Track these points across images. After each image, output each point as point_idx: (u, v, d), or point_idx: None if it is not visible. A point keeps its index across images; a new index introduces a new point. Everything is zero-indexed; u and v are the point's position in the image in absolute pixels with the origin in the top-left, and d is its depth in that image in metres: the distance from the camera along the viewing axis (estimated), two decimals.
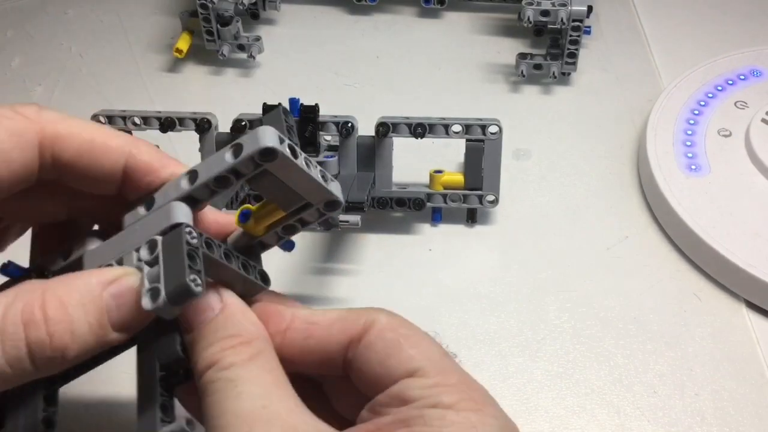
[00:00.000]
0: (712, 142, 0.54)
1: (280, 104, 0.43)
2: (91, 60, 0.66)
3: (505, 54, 0.65)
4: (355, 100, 0.62)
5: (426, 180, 0.52)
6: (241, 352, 0.26)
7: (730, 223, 0.50)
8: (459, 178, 0.51)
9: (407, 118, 0.50)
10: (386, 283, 0.50)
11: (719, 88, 0.58)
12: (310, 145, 0.50)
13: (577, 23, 0.58)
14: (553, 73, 0.62)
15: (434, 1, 0.69)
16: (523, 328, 0.47)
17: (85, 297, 0.26)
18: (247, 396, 0.25)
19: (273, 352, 0.28)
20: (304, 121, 0.50)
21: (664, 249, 0.51)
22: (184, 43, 0.63)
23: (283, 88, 0.63)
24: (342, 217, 0.46)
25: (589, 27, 0.63)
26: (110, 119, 0.51)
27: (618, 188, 0.55)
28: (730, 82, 0.58)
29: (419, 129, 0.49)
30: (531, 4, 0.58)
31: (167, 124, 0.50)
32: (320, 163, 0.50)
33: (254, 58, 0.64)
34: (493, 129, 0.49)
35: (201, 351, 0.27)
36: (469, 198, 0.51)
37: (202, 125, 0.50)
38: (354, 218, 0.46)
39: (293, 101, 0.50)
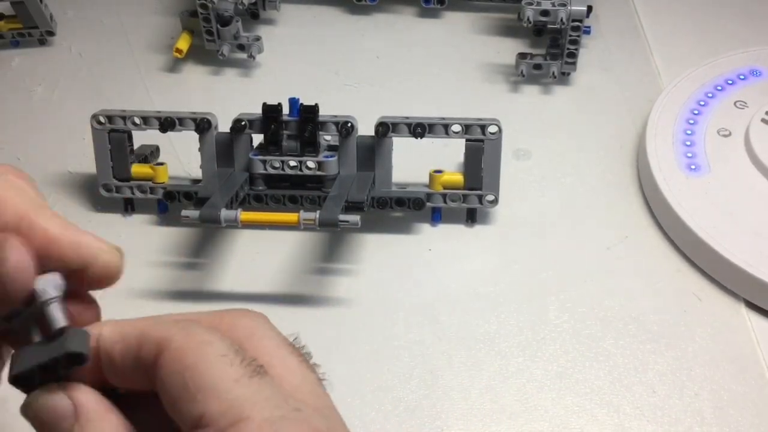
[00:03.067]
0: (712, 142, 0.54)
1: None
2: (91, 60, 0.66)
3: (505, 54, 0.65)
4: (355, 100, 0.62)
5: (426, 180, 0.52)
6: None
7: (730, 223, 0.50)
8: (459, 178, 0.51)
9: (407, 118, 0.50)
10: (386, 283, 0.50)
11: (719, 88, 0.58)
12: (310, 145, 0.50)
13: (576, 23, 0.58)
14: (553, 73, 0.61)
15: (434, 1, 0.69)
16: (523, 328, 0.47)
17: None
18: None
19: None
20: (303, 121, 0.49)
21: (664, 249, 0.51)
22: (184, 43, 0.63)
23: (283, 88, 0.63)
24: (342, 217, 0.46)
25: (589, 27, 0.63)
26: (110, 119, 0.51)
27: (618, 188, 0.55)
28: (730, 82, 0.58)
29: (419, 129, 0.49)
30: (531, 4, 0.58)
31: (167, 124, 0.50)
32: (320, 164, 0.50)
33: (254, 58, 0.64)
34: (492, 129, 0.49)
35: None
36: (468, 198, 0.51)
37: (202, 125, 0.50)
38: (354, 218, 0.46)
39: (293, 101, 0.50)
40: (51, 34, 0.67)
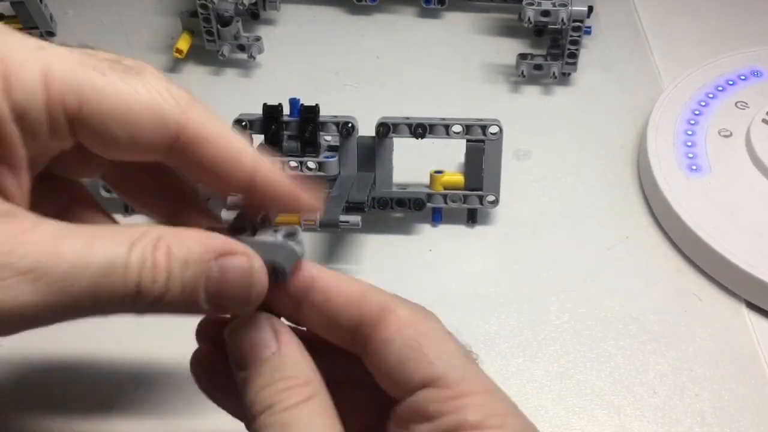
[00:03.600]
0: (713, 142, 0.54)
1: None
2: None
3: (505, 54, 0.65)
4: (355, 100, 0.62)
5: (426, 180, 0.52)
6: (297, 394, 0.25)
7: (730, 223, 0.49)
8: (459, 178, 0.51)
9: (407, 118, 0.50)
10: (386, 283, 0.49)
11: (720, 88, 0.58)
12: (310, 145, 0.50)
13: (577, 23, 0.58)
14: (554, 74, 0.61)
15: (434, 1, 0.69)
16: (523, 328, 0.47)
17: (192, 256, 0.24)
18: None
19: (327, 395, 0.26)
20: (304, 122, 0.50)
21: (664, 249, 0.51)
22: (184, 43, 0.63)
23: (283, 88, 0.63)
24: (342, 217, 0.46)
25: (590, 27, 0.63)
26: None
27: (618, 188, 0.55)
28: (731, 82, 0.58)
29: (419, 129, 0.49)
30: (531, 4, 0.58)
31: None
32: (320, 164, 0.50)
33: (254, 58, 0.64)
34: (493, 129, 0.49)
35: (256, 392, 0.26)
36: (469, 198, 0.51)
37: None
38: (354, 218, 0.46)
39: (293, 101, 0.50)
40: (51, 34, 0.67)
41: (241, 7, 0.61)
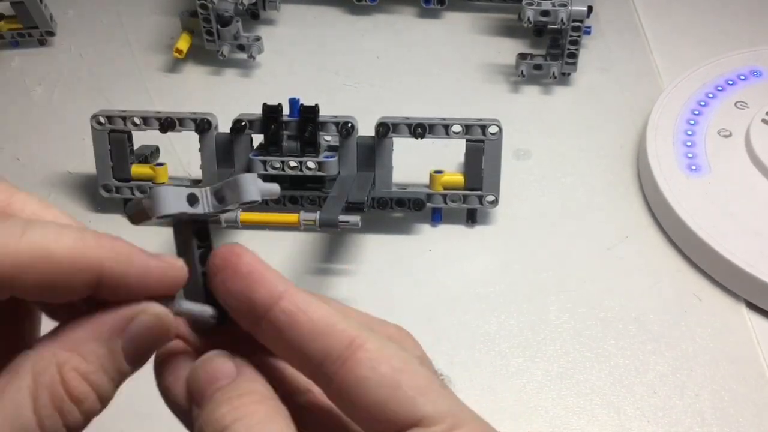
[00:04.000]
0: (713, 142, 0.54)
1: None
2: (91, 60, 0.66)
3: (505, 54, 0.65)
4: (355, 100, 0.62)
5: (426, 180, 0.52)
6: (256, 411, 0.24)
7: (730, 223, 0.49)
8: (459, 178, 0.51)
9: (407, 118, 0.50)
10: (386, 283, 0.50)
11: (719, 88, 0.58)
12: (310, 145, 0.50)
13: (577, 23, 0.58)
14: (553, 74, 0.61)
15: (434, 1, 0.69)
16: (523, 328, 0.47)
17: (103, 358, 0.24)
18: None
19: (286, 412, 0.25)
20: (304, 121, 0.49)
21: (664, 249, 0.51)
22: (184, 43, 0.63)
23: (283, 88, 0.63)
24: (342, 217, 0.45)
25: (589, 27, 0.63)
26: (110, 119, 0.51)
27: (618, 188, 0.55)
28: (731, 82, 0.58)
29: (419, 129, 0.49)
30: (531, 4, 0.58)
31: (167, 124, 0.50)
32: (320, 164, 0.50)
33: (254, 58, 0.64)
34: (492, 129, 0.49)
35: (208, 414, 0.25)
36: (469, 198, 0.51)
37: (202, 125, 0.50)
38: (354, 219, 0.46)
39: (293, 101, 0.50)
40: (51, 34, 0.67)
41: (241, 7, 0.61)
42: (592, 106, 0.61)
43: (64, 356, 0.24)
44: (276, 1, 0.68)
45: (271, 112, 0.50)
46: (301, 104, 0.50)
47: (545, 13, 0.59)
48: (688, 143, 0.54)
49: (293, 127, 0.50)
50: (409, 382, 0.24)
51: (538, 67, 0.62)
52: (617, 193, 0.55)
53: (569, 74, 0.63)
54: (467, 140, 0.50)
